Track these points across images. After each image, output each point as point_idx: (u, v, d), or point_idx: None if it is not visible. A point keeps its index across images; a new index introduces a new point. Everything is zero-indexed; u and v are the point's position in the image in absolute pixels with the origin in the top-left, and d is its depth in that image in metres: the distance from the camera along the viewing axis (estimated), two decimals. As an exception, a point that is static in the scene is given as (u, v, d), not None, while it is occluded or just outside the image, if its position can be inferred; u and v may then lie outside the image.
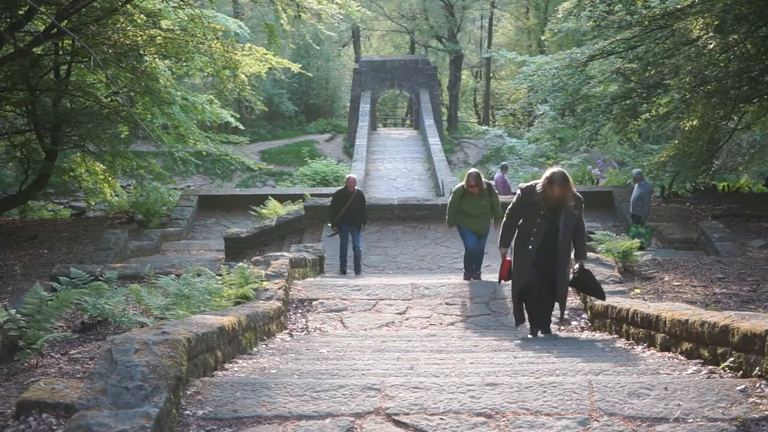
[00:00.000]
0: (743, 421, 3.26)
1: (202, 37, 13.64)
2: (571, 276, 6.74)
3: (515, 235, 6.80)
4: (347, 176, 12.58)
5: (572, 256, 6.77)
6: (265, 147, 39.11)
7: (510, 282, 7.04)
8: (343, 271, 11.92)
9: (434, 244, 14.01)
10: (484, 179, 9.86)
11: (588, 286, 6.83)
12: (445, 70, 50.00)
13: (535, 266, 6.57)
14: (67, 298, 5.27)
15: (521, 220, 6.72)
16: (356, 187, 12.19)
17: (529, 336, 6.76)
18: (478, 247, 9.89)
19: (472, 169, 10.03)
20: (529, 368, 4.60)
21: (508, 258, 6.90)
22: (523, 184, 6.88)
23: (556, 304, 6.89)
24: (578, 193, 6.63)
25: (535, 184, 6.61)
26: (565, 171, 6.51)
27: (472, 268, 9.85)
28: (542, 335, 6.75)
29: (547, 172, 6.49)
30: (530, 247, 6.55)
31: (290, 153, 38.47)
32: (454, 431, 3.27)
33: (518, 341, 6.38)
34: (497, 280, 7.45)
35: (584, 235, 6.79)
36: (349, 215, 11.90)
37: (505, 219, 6.96)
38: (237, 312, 5.65)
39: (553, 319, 7.01)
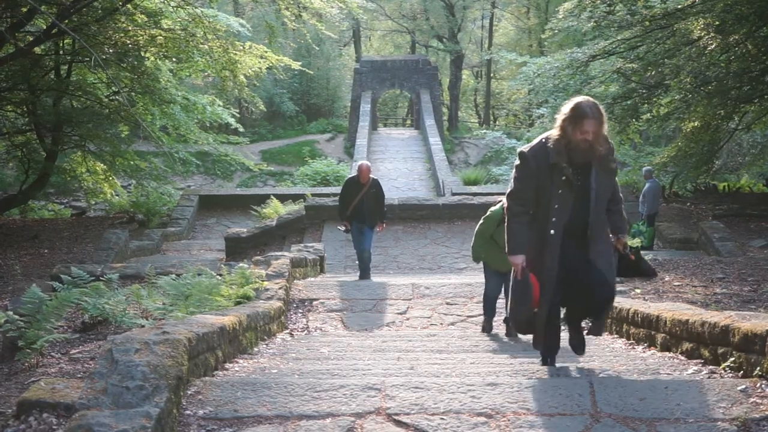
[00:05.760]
0: (744, 422, 3.25)
1: (202, 37, 13.64)
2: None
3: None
4: (359, 163, 10.39)
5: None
6: (265, 147, 39.14)
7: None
8: (362, 277, 10.16)
9: (434, 243, 14.01)
10: None
11: (638, 266, 4.72)
12: (446, 70, 50.01)
13: (562, 263, 4.26)
14: (66, 298, 5.27)
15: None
16: (371, 176, 10.11)
17: (543, 365, 4.67)
18: (501, 289, 7.26)
19: None
20: (529, 368, 4.60)
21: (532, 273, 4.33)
22: (525, 147, 4.35)
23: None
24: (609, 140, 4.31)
25: (545, 139, 4.22)
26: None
27: (493, 314, 7.34)
28: (571, 367, 4.60)
29: (568, 106, 4.13)
30: (552, 232, 4.20)
31: (291, 153, 38.48)
32: (454, 431, 3.27)
33: (519, 341, 6.34)
34: (531, 307, 4.37)
35: (621, 201, 4.51)
36: (360, 211, 9.98)
37: (510, 206, 4.36)
38: (238, 312, 5.64)
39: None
